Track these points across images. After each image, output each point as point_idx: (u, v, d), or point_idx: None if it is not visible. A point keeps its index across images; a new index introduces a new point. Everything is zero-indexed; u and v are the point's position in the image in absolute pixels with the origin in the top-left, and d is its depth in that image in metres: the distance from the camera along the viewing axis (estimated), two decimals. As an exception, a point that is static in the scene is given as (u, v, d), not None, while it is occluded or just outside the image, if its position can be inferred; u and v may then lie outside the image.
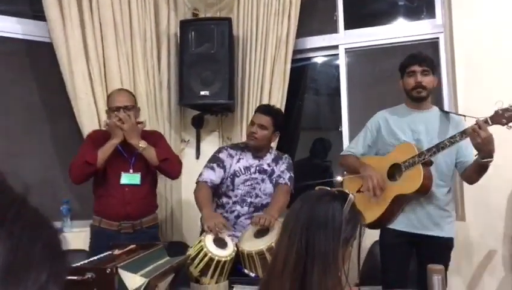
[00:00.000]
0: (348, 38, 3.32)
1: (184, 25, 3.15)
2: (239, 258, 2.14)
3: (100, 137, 2.47)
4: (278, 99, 3.14)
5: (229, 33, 3.10)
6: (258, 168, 2.51)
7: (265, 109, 2.52)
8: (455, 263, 2.72)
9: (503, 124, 1.95)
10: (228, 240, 2.16)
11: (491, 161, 2.03)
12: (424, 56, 2.33)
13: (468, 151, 2.18)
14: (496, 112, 1.97)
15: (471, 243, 2.80)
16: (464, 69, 2.86)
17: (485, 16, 2.84)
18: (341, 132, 3.28)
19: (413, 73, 2.27)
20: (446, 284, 1.77)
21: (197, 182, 2.46)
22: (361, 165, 2.33)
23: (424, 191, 2.18)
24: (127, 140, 2.37)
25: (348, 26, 3.34)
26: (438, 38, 3.09)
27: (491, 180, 2.71)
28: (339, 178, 2.85)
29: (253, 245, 2.13)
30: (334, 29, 3.38)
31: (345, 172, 2.53)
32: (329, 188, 1.15)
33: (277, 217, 2.21)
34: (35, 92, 3.11)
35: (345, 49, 3.33)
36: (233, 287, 2.01)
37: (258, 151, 2.53)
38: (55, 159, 3.11)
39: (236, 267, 2.13)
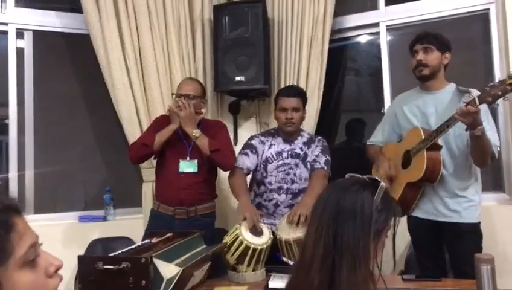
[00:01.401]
0: (389, 15, 3.15)
1: (218, 9, 3.11)
2: (277, 246, 2.10)
3: (164, 122, 2.50)
4: (316, 82, 3.04)
5: (263, 15, 3.02)
6: (290, 152, 2.46)
7: (293, 92, 2.47)
8: (508, 250, 2.56)
9: (489, 103, 1.86)
10: (264, 227, 2.13)
11: (481, 130, 1.92)
12: (425, 33, 2.26)
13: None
14: (484, 90, 1.87)
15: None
16: (517, 41, 2.63)
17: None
18: (383, 113, 3.14)
19: (415, 52, 2.24)
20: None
21: (232, 169, 2.44)
22: (377, 156, 2.40)
23: (432, 177, 2.13)
24: (182, 127, 2.41)
25: (389, 1, 3.16)
26: (488, 9, 2.86)
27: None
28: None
29: (291, 233, 2.09)
30: (374, 6, 3.22)
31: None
32: (360, 176, 1.07)
33: (310, 207, 2.14)
34: (75, 84, 3.20)
35: (386, 26, 3.16)
36: (270, 275, 1.98)
37: (289, 136, 2.47)
38: (96, 148, 3.19)
39: (274, 255, 2.10)
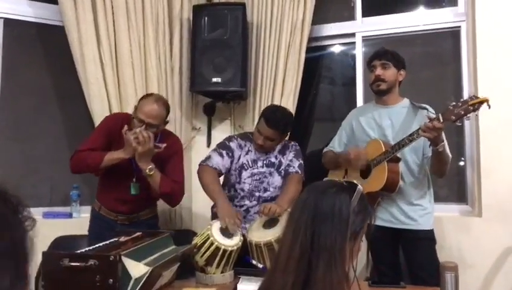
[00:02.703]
0: (366, 26, 3.22)
1: (197, 9, 3.09)
2: (247, 249, 2.10)
3: (118, 126, 2.30)
4: (292, 88, 3.06)
5: (243, 19, 3.03)
6: (265, 161, 2.45)
7: (270, 121, 2.31)
8: (469, 259, 2.65)
9: (452, 121, 1.97)
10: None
11: (443, 146, 2.07)
12: (384, 50, 2.39)
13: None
14: (448, 109, 1.99)
15: (487, 240, 2.71)
16: (485, 59, 2.74)
17: (509, 3, 2.71)
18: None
19: (373, 67, 2.35)
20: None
21: (204, 165, 2.39)
22: (341, 155, 2.46)
23: (391, 188, 2.24)
24: (136, 160, 2.25)
25: (366, 13, 3.23)
26: (459, 27, 2.97)
27: (509, 176, 2.64)
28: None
29: (261, 236, 2.09)
30: (351, 16, 3.29)
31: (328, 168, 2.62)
32: (337, 179, 1.09)
33: (287, 208, 2.15)
34: (47, 76, 3.11)
35: (362, 37, 3.23)
36: (240, 277, 1.98)
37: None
38: (66, 143, 3.10)
39: (244, 257, 2.10)
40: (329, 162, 2.57)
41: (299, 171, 2.42)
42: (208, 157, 2.41)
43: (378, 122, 2.37)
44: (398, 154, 2.24)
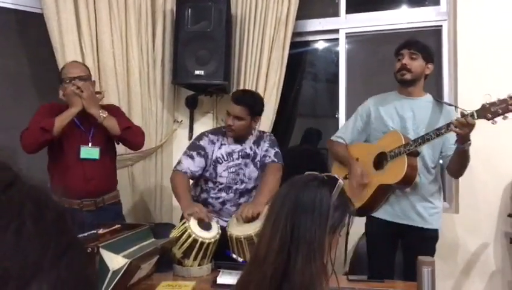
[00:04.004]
0: (349, 23, 3.24)
1: (181, 1, 3.05)
2: (228, 243, 2.10)
3: (56, 108, 2.28)
4: (275, 83, 3.06)
5: (227, 12, 3.01)
6: (240, 153, 2.41)
7: (238, 99, 2.33)
8: (446, 255, 2.70)
9: (488, 119, 1.90)
10: (213, 222, 2.12)
11: (469, 144, 2.01)
12: (415, 40, 2.29)
13: (454, 145, 2.14)
14: (483, 106, 1.91)
15: (464, 236, 2.77)
16: (465, 58, 2.80)
17: (490, 4, 2.77)
18: (338, 119, 3.22)
19: (401, 56, 2.25)
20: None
21: (174, 170, 2.37)
22: (346, 159, 2.36)
23: (408, 183, 2.17)
24: (86, 110, 2.23)
25: (350, 10, 3.24)
26: (441, 26, 3.01)
27: (485, 174, 2.70)
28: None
29: (242, 230, 2.09)
30: (335, 13, 3.29)
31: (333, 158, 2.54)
32: (318, 173, 1.09)
33: (266, 202, 2.13)
34: (25, 64, 3.04)
35: (346, 33, 3.24)
36: (220, 271, 1.97)
37: (239, 136, 2.42)
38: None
39: (224, 251, 2.09)
40: (336, 154, 2.47)
41: (276, 160, 2.38)
42: (178, 163, 2.38)
43: (399, 113, 2.27)
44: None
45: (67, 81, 2.27)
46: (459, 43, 2.81)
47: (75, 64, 2.41)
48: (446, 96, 2.91)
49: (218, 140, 2.41)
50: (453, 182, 2.85)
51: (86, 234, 1.89)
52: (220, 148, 2.39)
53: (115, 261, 1.58)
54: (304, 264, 0.94)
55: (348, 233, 1.13)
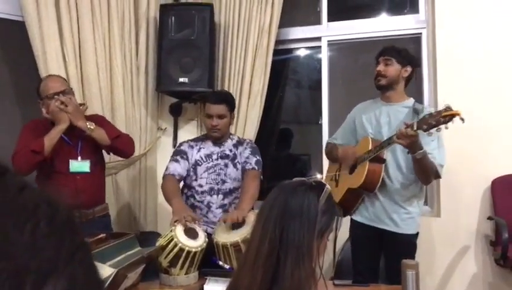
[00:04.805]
0: (331, 31, 3.29)
1: (164, 9, 3.06)
2: (214, 250, 2.09)
3: (40, 126, 2.26)
4: (259, 90, 3.09)
5: (211, 20, 3.03)
6: (219, 154, 2.46)
7: (218, 98, 2.41)
8: (429, 258, 2.75)
9: (424, 130, 1.90)
10: (199, 230, 2.11)
11: (422, 154, 2.02)
12: (389, 47, 2.35)
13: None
14: (423, 117, 1.94)
15: (446, 239, 2.82)
16: (445, 64, 2.87)
17: (467, 12, 2.85)
18: (321, 125, 3.26)
19: (378, 63, 2.33)
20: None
21: (164, 176, 2.41)
22: (335, 150, 2.46)
23: (369, 188, 2.22)
24: (73, 123, 2.21)
25: (332, 18, 3.30)
26: (420, 33, 3.08)
27: (466, 177, 2.76)
28: (319, 175, 2.84)
29: (228, 237, 2.08)
30: (317, 21, 3.34)
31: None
32: (306, 179, 1.11)
33: (249, 209, 2.17)
34: (5, 72, 2.99)
35: (328, 41, 3.29)
36: (206, 278, 1.97)
37: (218, 139, 2.47)
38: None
39: (211, 259, 2.09)
40: (328, 153, 2.56)
41: (256, 167, 2.43)
42: (166, 168, 2.43)
43: (377, 119, 2.33)
44: (389, 155, 2.21)
45: (50, 97, 2.23)
46: (438, 50, 2.89)
47: (55, 78, 2.35)
48: (426, 101, 2.98)
49: (196, 145, 2.48)
50: (435, 187, 2.90)
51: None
52: (198, 151, 2.45)
53: (102, 270, 1.57)
54: (293, 268, 0.95)
55: (336, 238, 1.14)
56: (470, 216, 2.79)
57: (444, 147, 2.21)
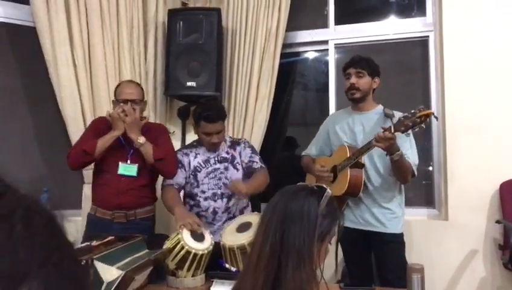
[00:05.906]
0: (338, 34, 3.30)
1: (172, 14, 3.09)
2: (220, 253, 2.11)
3: (104, 126, 2.41)
4: (266, 94, 3.10)
5: (218, 24, 3.05)
6: (216, 158, 2.47)
7: (216, 117, 2.38)
8: (437, 261, 2.74)
9: (402, 132, 2.00)
10: (206, 233, 2.14)
11: (399, 155, 2.11)
12: (359, 58, 2.40)
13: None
14: (399, 120, 2.03)
15: (454, 243, 2.81)
16: (452, 67, 2.86)
17: (475, 15, 2.84)
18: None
19: (349, 75, 2.38)
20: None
21: (162, 186, 2.44)
22: (310, 164, 2.55)
23: (353, 193, 2.29)
24: (127, 133, 2.33)
25: (339, 21, 3.31)
26: (427, 36, 3.08)
27: (474, 181, 2.75)
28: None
29: (235, 239, 2.10)
30: (324, 24, 3.36)
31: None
32: (308, 184, 1.13)
33: (255, 188, 2.29)
34: (17, 77, 3.04)
35: (335, 44, 3.31)
36: (213, 281, 1.99)
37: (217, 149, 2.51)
38: (36, 146, 3.05)
39: (217, 261, 2.11)
40: (305, 167, 2.63)
41: (263, 166, 2.48)
42: (164, 179, 2.46)
43: (351, 128, 2.41)
44: (367, 160, 2.30)
45: (118, 102, 2.38)
46: (445, 53, 2.88)
47: (130, 85, 2.47)
48: (434, 106, 2.97)
49: (191, 151, 2.49)
50: (442, 190, 2.90)
51: (80, 246, 1.91)
52: (195, 157, 2.47)
53: (109, 272, 1.60)
54: (294, 272, 0.97)
55: (337, 242, 1.16)
56: (478, 220, 2.78)
57: (415, 147, 2.30)
